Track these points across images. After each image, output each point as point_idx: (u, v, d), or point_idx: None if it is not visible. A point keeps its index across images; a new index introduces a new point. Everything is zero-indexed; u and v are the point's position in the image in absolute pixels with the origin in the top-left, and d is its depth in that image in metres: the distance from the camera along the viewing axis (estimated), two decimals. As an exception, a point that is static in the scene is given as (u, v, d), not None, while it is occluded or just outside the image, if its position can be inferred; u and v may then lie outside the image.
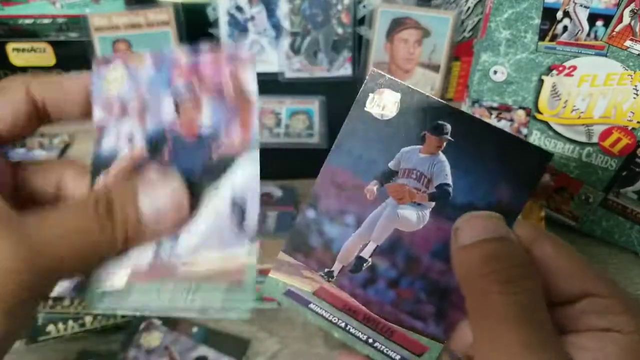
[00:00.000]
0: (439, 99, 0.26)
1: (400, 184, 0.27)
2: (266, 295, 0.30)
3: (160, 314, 0.26)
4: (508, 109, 0.56)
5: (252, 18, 0.83)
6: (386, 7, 0.76)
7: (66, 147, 0.73)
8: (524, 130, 0.56)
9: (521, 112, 0.55)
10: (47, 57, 0.75)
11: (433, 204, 0.26)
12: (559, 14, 0.49)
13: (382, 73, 0.26)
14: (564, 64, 0.50)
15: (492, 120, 0.57)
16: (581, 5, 0.48)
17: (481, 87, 0.56)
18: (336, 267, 0.28)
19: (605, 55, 0.48)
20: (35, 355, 0.50)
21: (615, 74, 0.48)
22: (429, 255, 0.26)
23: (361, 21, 0.82)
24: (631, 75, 0.48)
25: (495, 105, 0.56)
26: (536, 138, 0.56)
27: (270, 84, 0.84)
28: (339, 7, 0.81)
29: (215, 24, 0.83)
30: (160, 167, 0.26)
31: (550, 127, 0.54)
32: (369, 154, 0.27)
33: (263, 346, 0.50)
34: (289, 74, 0.84)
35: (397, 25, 0.76)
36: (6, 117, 0.27)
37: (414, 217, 0.26)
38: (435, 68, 0.77)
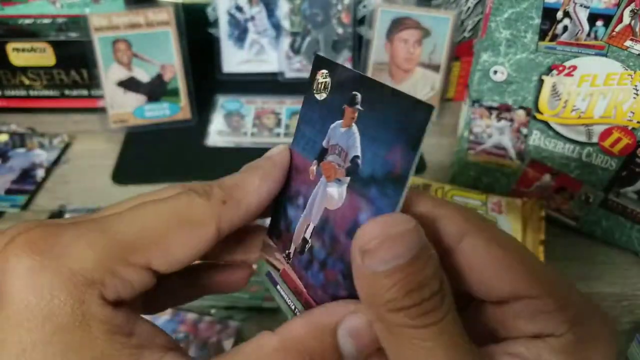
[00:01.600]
0: (356, 70, 0.25)
1: (329, 161, 0.26)
2: (258, 277, 0.29)
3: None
4: (508, 108, 0.56)
5: (252, 18, 0.83)
6: (386, 7, 0.76)
7: (66, 147, 0.73)
8: (524, 130, 0.56)
9: (521, 112, 0.55)
10: (47, 57, 0.75)
11: (349, 178, 0.24)
12: (559, 14, 0.49)
13: (323, 56, 0.27)
14: (564, 63, 0.50)
15: (492, 121, 0.58)
16: (581, 5, 0.48)
17: (481, 87, 0.56)
18: (292, 249, 0.27)
19: (606, 55, 0.48)
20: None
21: (616, 74, 0.48)
22: (345, 235, 0.24)
23: (361, 21, 0.82)
24: (631, 75, 0.48)
25: (495, 105, 0.56)
26: (536, 138, 0.56)
27: (270, 84, 0.84)
28: (339, 7, 0.81)
29: (215, 24, 0.83)
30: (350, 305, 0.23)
31: (550, 127, 0.54)
32: (313, 135, 0.27)
33: (263, 346, 0.50)
34: (289, 74, 0.84)
35: (397, 25, 0.76)
36: (189, 253, 0.23)
37: (335, 194, 0.25)
38: (435, 68, 0.77)
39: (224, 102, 0.80)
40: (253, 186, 0.26)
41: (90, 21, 0.70)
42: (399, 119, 0.22)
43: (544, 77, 0.52)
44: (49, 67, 0.76)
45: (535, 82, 0.53)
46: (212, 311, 0.52)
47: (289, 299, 0.27)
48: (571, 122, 0.53)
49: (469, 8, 0.75)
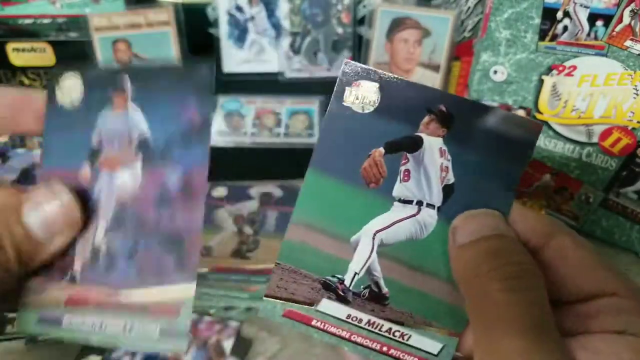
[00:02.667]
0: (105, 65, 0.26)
1: (108, 155, 0.27)
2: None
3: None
4: (508, 108, 0.56)
5: (252, 18, 0.83)
6: (386, 7, 0.76)
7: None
8: (524, 130, 0.56)
9: (521, 112, 0.55)
10: (47, 57, 0.75)
11: (139, 158, 0.26)
12: (559, 14, 0.49)
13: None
14: (564, 63, 0.50)
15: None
16: (581, 5, 0.48)
17: (481, 87, 0.56)
18: (77, 267, 0.27)
19: (606, 55, 0.48)
20: (35, 355, 0.50)
21: (616, 74, 0.48)
22: (154, 207, 0.26)
23: (361, 21, 0.82)
24: (631, 75, 0.48)
25: (495, 105, 0.56)
26: (536, 138, 0.56)
27: (270, 84, 0.84)
28: (339, 7, 0.81)
29: (215, 24, 0.83)
30: (48, 184, 0.26)
31: (550, 127, 0.54)
32: (69, 141, 0.27)
33: (263, 346, 0.50)
34: (289, 74, 0.84)
35: (397, 25, 0.76)
36: None
37: (128, 180, 0.26)
38: (435, 68, 0.77)
39: (224, 102, 0.80)
40: None
41: (91, 21, 0.70)
42: (182, 81, 0.24)
43: (544, 77, 0.52)
44: (49, 67, 0.76)
45: (535, 82, 0.53)
46: (212, 311, 0.52)
47: (85, 324, 0.26)
48: (571, 122, 0.53)
49: (469, 8, 0.75)
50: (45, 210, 0.25)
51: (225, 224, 0.60)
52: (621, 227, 0.57)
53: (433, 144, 0.26)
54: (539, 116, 0.54)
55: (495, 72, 0.54)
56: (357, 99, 0.26)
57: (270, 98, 0.80)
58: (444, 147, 0.25)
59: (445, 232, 0.25)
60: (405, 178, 0.26)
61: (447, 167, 0.25)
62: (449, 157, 0.25)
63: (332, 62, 0.84)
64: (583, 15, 0.48)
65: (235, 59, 0.85)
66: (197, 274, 0.57)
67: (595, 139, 0.52)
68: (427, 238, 0.26)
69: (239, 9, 0.82)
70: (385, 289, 0.27)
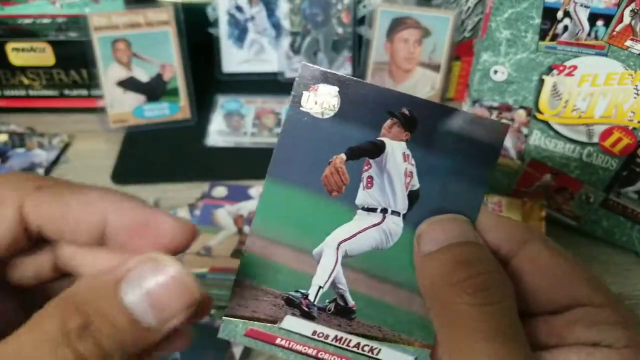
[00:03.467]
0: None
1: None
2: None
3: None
4: (509, 108, 0.56)
5: (252, 18, 0.83)
6: (386, 7, 0.76)
7: (66, 147, 0.73)
8: (525, 130, 0.56)
9: (522, 112, 0.55)
10: (47, 56, 0.75)
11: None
12: (560, 14, 0.49)
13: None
14: (565, 63, 0.50)
15: (493, 120, 0.57)
16: (581, 5, 0.47)
17: (482, 86, 0.56)
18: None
19: (606, 55, 0.48)
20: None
21: (616, 74, 0.48)
22: None
23: (361, 21, 0.82)
24: (632, 75, 0.48)
25: (495, 105, 0.56)
26: (537, 138, 0.56)
27: (270, 84, 0.84)
28: (339, 7, 0.81)
29: (215, 24, 0.83)
30: (149, 255, 0.21)
31: (550, 127, 0.54)
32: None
33: (263, 346, 0.50)
34: (289, 74, 0.84)
35: (397, 25, 0.76)
36: None
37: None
38: (436, 68, 0.77)
39: (224, 102, 0.80)
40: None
41: (90, 21, 0.70)
42: None
43: (544, 77, 0.52)
44: (48, 67, 0.76)
45: (535, 82, 0.52)
46: (212, 311, 0.52)
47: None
48: (572, 122, 0.53)
49: (469, 8, 0.75)
50: (152, 287, 0.20)
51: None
52: (621, 227, 0.57)
53: (396, 148, 0.25)
54: (539, 116, 0.54)
55: (496, 72, 0.54)
56: (316, 103, 0.25)
57: (270, 98, 0.80)
58: (408, 152, 0.25)
59: (412, 241, 0.24)
60: (369, 185, 0.25)
61: (411, 172, 0.25)
62: (413, 161, 0.24)
63: (332, 62, 0.84)
64: (583, 15, 0.48)
65: (235, 59, 0.85)
66: (197, 274, 0.57)
67: (595, 139, 0.52)
68: (393, 247, 0.25)
69: (239, 8, 0.82)
70: (351, 302, 0.26)
